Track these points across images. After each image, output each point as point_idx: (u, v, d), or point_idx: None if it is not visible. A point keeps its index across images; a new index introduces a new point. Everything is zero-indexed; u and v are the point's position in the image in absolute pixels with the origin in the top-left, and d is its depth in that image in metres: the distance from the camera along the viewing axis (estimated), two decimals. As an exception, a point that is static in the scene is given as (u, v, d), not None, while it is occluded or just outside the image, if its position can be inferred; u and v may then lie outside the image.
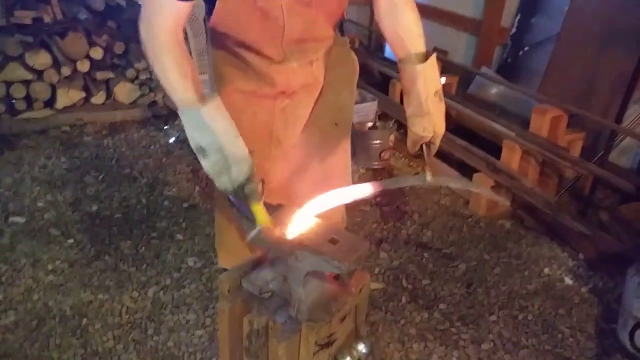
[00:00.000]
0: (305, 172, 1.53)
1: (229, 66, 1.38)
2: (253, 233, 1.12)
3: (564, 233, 2.49)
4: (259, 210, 1.16)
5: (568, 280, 2.29)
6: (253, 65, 1.35)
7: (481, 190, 1.29)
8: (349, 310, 1.27)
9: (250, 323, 1.22)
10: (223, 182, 1.11)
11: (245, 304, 1.28)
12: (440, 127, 1.25)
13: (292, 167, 1.52)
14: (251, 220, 1.19)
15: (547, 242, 2.53)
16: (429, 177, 1.27)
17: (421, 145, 1.28)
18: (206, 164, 1.11)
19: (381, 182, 1.32)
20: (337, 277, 1.30)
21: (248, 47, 1.31)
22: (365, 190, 1.28)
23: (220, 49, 1.38)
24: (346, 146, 1.64)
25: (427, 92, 1.21)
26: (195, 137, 1.09)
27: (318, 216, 1.25)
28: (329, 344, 1.24)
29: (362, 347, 1.29)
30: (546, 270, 2.34)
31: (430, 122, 1.23)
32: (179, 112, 1.10)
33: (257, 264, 1.32)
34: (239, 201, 1.22)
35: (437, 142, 1.28)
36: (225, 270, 1.33)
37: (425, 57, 1.24)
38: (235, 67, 1.38)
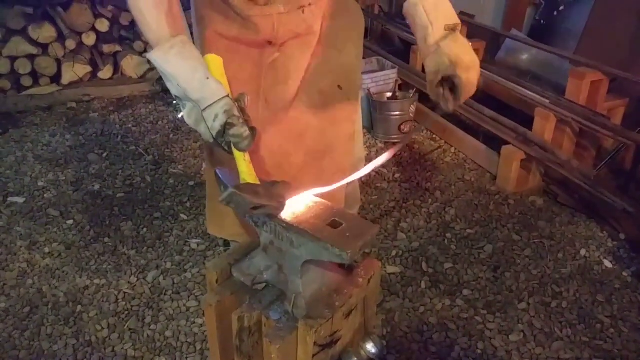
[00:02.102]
0: (301, 141, 1.32)
1: (209, 9, 1.20)
2: (227, 192, 0.92)
3: (603, 210, 2.26)
4: (242, 163, 0.98)
5: (608, 263, 2.06)
6: (233, 7, 1.16)
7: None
8: (355, 304, 1.09)
9: (240, 320, 1.05)
10: (203, 132, 0.96)
11: (236, 297, 1.11)
12: (460, 56, 1.01)
13: (285, 134, 1.31)
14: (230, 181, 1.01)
15: (583, 220, 2.30)
16: (449, 106, 1.06)
17: (441, 84, 1.04)
18: (184, 114, 0.96)
19: (394, 147, 1.08)
20: (341, 265, 1.12)
21: None
22: (384, 158, 1.04)
23: None
24: (353, 116, 1.41)
25: (431, 24, 1.02)
26: (168, 86, 0.95)
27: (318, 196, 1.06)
28: (331, 344, 1.07)
29: (371, 347, 1.12)
30: (583, 252, 2.12)
31: (441, 55, 1.01)
32: (149, 58, 0.94)
33: (249, 251, 1.15)
34: (224, 172, 1.05)
35: (462, 72, 1.01)
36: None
37: None
38: (215, 10, 1.20)
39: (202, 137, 0.99)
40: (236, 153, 0.98)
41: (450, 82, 1.03)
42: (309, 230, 0.96)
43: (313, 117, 1.31)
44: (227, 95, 0.94)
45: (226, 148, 0.96)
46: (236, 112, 0.93)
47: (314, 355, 1.03)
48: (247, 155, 0.99)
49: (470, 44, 1.06)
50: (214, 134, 0.93)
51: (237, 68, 1.22)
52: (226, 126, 0.92)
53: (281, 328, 1.03)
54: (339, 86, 1.32)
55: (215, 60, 0.99)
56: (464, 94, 1.04)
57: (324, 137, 1.33)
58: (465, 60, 1.02)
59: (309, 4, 1.21)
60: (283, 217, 0.99)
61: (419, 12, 1.03)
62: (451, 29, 1.03)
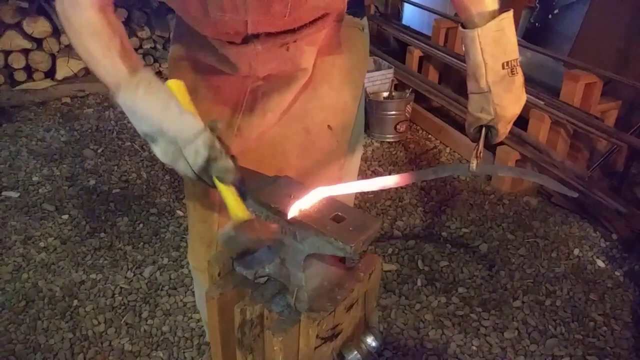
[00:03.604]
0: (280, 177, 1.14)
1: (187, 34, 1.12)
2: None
3: (596, 211, 2.29)
4: (230, 197, 0.93)
5: (600, 263, 2.10)
6: (211, 41, 1.08)
7: (542, 179, 0.99)
8: (356, 298, 1.10)
9: (242, 313, 1.06)
10: (182, 169, 0.88)
11: (238, 290, 1.12)
12: (507, 109, 0.99)
13: (254, 167, 1.14)
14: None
15: (577, 220, 2.33)
16: (473, 165, 1.03)
17: (480, 128, 1.04)
18: (157, 152, 0.87)
19: (414, 173, 1.08)
20: (342, 260, 1.13)
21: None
22: (392, 181, 1.05)
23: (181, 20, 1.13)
24: (340, 161, 1.26)
25: (485, 64, 0.96)
26: (136, 124, 0.87)
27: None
28: (332, 337, 1.08)
29: (371, 340, 1.12)
30: (576, 251, 2.15)
31: (489, 101, 0.99)
32: (116, 102, 0.87)
33: (251, 245, 1.16)
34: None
35: (502, 127, 1.02)
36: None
37: (493, 17, 0.96)
38: (194, 37, 1.10)
39: (179, 174, 0.91)
40: (222, 187, 0.92)
41: (486, 128, 1.04)
42: (312, 224, 0.97)
43: (296, 159, 1.19)
44: (205, 128, 0.87)
45: (210, 183, 0.89)
46: (217, 145, 0.87)
47: (315, 348, 1.04)
48: (233, 188, 0.93)
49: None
50: (197, 171, 0.87)
51: (213, 90, 1.14)
52: (209, 162, 0.86)
53: (283, 320, 1.03)
54: (328, 126, 1.20)
55: (177, 86, 0.91)
56: (493, 142, 1.06)
57: (307, 182, 1.15)
58: (510, 115, 1.00)
59: (295, 40, 1.05)
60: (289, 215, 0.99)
61: (475, 47, 0.95)
62: (510, 69, 0.97)
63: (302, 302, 1.03)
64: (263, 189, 1.05)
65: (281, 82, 1.14)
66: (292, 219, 0.99)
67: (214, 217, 1.21)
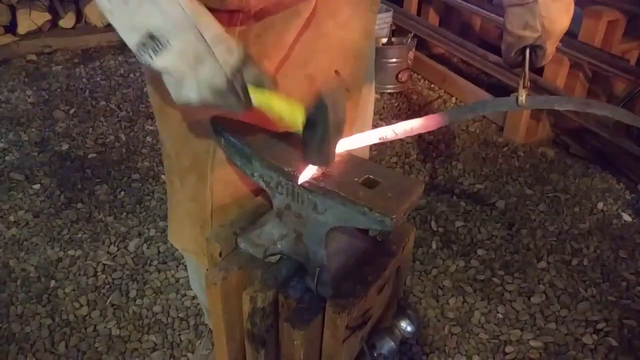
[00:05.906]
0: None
1: None
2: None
3: (618, 161, 2.12)
4: (277, 102, 0.75)
5: (626, 217, 1.94)
6: None
7: (611, 110, 0.79)
8: (389, 277, 0.92)
9: (252, 300, 0.86)
10: (208, 73, 0.70)
11: (245, 273, 0.92)
12: (557, 21, 0.82)
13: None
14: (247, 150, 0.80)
15: (598, 172, 2.16)
16: (522, 98, 0.86)
17: (522, 51, 0.86)
18: (168, 58, 0.67)
19: (446, 113, 0.88)
20: (364, 231, 0.93)
21: None
22: (419, 124, 0.85)
23: None
24: (355, 120, 1.08)
25: None
26: (140, 20, 0.65)
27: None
28: (362, 324, 0.90)
29: (406, 325, 0.94)
30: (600, 205, 1.99)
31: (533, 14, 0.81)
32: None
33: (258, 216, 0.96)
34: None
35: (550, 45, 0.85)
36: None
37: None
38: None
39: (180, 98, 0.73)
40: (259, 95, 0.74)
41: (530, 49, 0.85)
42: (339, 191, 0.77)
43: None
44: None
45: (241, 91, 0.72)
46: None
47: (343, 340, 0.85)
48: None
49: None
50: (230, 72, 0.71)
51: None
52: (245, 61, 0.71)
53: (304, 309, 0.84)
54: (335, 71, 0.99)
55: None
56: (539, 64, 0.88)
57: None
58: (559, 29, 0.83)
59: None
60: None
61: None
62: None
63: (325, 285, 0.84)
64: (271, 148, 0.84)
65: (278, 20, 0.93)
66: (310, 184, 0.78)
67: (207, 193, 1.02)
